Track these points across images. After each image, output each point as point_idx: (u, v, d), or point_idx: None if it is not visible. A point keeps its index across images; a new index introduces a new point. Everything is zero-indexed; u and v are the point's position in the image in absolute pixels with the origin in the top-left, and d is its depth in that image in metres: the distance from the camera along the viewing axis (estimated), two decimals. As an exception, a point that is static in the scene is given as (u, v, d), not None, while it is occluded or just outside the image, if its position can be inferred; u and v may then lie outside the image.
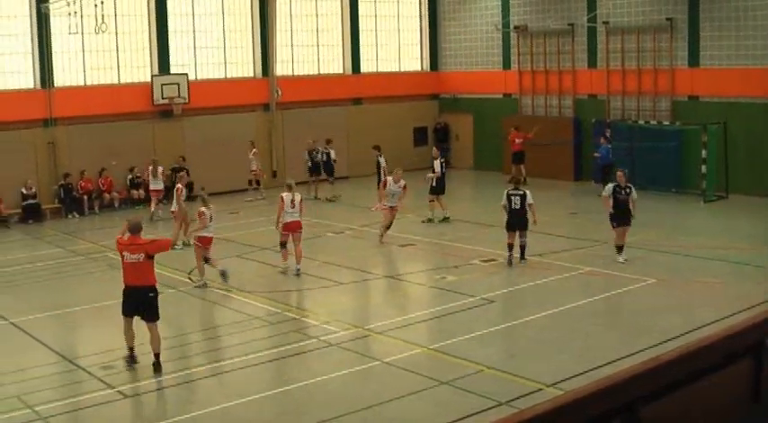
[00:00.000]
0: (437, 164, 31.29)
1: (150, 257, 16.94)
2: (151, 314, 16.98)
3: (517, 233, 24.49)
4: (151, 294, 16.99)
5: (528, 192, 24.64)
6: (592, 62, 40.40)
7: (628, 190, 24.33)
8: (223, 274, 22.82)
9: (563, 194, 36.35)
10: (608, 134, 36.46)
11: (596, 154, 36.44)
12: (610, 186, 24.69)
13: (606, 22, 39.16)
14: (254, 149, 38.02)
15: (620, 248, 24.65)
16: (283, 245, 24.63)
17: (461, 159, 45.11)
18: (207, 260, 23.09)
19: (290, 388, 16.05)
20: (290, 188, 24.78)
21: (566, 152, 40.50)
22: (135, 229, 17.06)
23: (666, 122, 36.91)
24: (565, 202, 34.40)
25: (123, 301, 17.09)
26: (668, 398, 7.51)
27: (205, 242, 23.03)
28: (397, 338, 18.67)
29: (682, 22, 36.71)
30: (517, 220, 24.43)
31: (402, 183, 27.73)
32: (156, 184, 34.07)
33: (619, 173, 25.06)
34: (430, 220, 31.12)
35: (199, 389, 16.31)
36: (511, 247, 24.51)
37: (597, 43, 40.02)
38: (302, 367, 17.31)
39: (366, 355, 17.84)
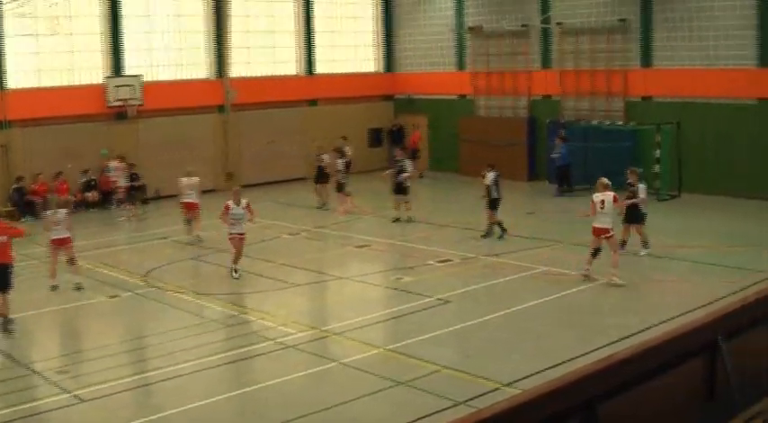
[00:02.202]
0: (408, 164, 31.62)
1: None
2: (7, 285, 19.83)
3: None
4: (9, 270, 19.88)
5: None
6: (546, 63, 40.62)
7: (635, 188, 25.31)
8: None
9: (518, 195, 36.48)
10: (563, 134, 36.67)
11: (555, 155, 36.55)
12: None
13: (560, 24, 39.39)
14: (117, 162, 35.40)
15: (623, 243, 25.22)
16: (187, 221, 29.48)
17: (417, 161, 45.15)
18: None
19: (248, 390, 16.04)
20: (188, 175, 29.39)
21: (520, 152, 40.67)
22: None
23: (620, 123, 37.17)
24: (520, 203, 34.51)
25: None
26: (625, 396, 7.59)
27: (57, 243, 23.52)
28: (354, 339, 18.69)
29: (635, 23, 37.00)
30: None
31: (244, 203, 24.63)
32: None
33: (629, 170, 26.13)
34: (398, 220, 31.19)
35: (156, 392, 16.24)
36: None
37: (551, 44, 40.25)
38: (260, 369, 17.29)
39: (323, 356, 17.84)
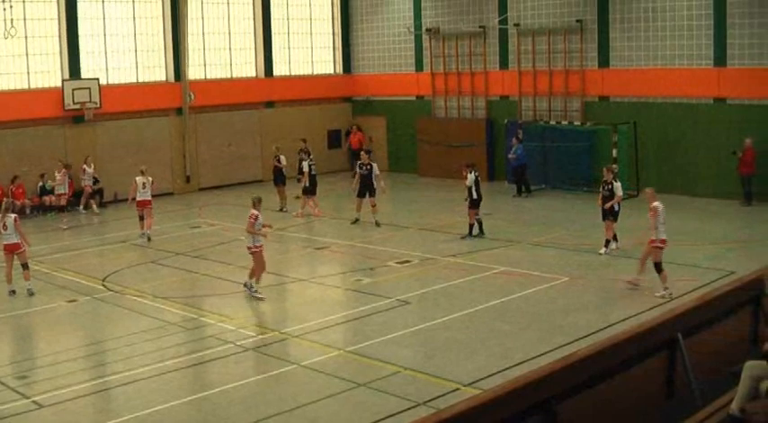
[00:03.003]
0: (376, 167, 31.65)
1: None
2: None
3: None
4: None
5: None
6: (504, 64, 40.73)
7: (610, 186, 25.48)
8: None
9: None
10: (520, 134, 36.75)
11: (512, 155, 36.58)
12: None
13: (517, 24, 39.51)
14: (63, 169, 35.25)
15: (608, 241, 25.72)
16: (140, 217, 29.98)
17: (375, 161, 45.02)
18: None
19: (207, 393, 15.97)
20: (142, 173, 30.13)
21: (479, 153, 40.76)
22: None
23: (578, 123, 37.36)
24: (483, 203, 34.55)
25: None
26: (584, 394, 7.62)
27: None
28: (314, 341, 18.66)
29: (591, 23, 37.19)
30: None
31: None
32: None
33: (605, 168, 26.42)
34: (357, 222, 31.20)
35: (116, 397, 16.14)
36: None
37: (509, 45, 40.37)
38: (220, 372, 17.22)
39: (283, 358, 17.80)
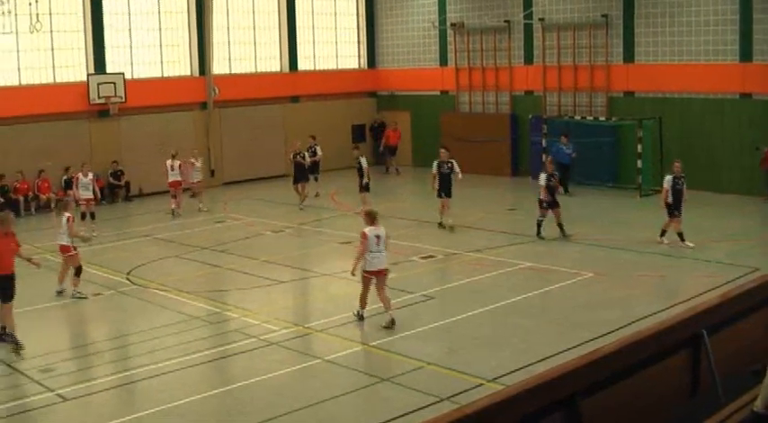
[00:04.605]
0: (457, 164, 29.67)
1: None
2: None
3: None
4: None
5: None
6: (528, 59, 40.66)
7: (682, 180, 25.71)
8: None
9: (500, 190, 36.54)
10: (567, 133, 35.91)
11: (574, 154, 35.65)
12: (669, 177, 25.85)
13: (542, 19, 39.43)
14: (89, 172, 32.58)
15: (681, 235, 25.67)
16: (173, 196, 33.19)
17: (399, 156, 45.08)
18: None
19: (231, 387, 16.01)
20: (172, 157, 33.63)
21: (503, 148, 40.74)
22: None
23: (602, 118, 37.24)
24: (502, 198, 34.58)
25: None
26: (607, 391, 7.60)
27: None
28: (338, 336, 18.68)
29: (617, 18, 37.08)
30: None
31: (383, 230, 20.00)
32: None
33: (676, 163, 26.31)
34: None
35: (139, 390, 16.19)
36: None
37: (533, 40, 40.30)
38: (243, 366, 17.25)
39: (307, 353, 17.83)
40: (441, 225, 29.32)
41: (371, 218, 19.56)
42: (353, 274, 19.64)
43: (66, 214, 22.21)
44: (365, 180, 31.71)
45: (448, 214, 29.21)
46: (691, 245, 25.28)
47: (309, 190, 34.89)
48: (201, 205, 34.28)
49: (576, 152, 35.55)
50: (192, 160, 34.92)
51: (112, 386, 16.24)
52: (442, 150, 29.86)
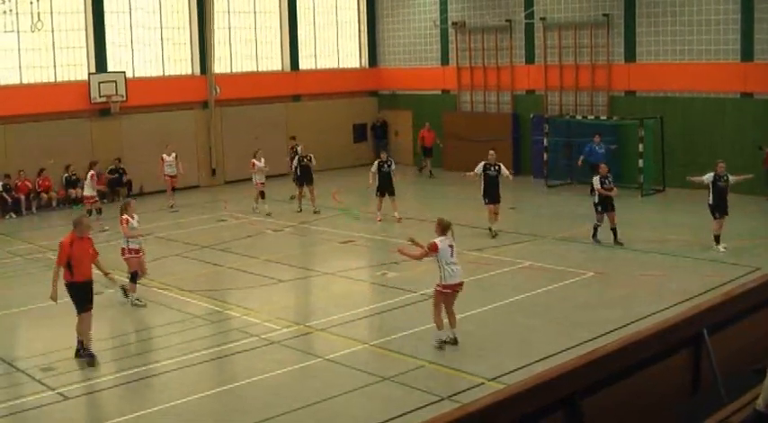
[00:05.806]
0: (504, 167, 28.98)
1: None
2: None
3: None
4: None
5: None
6: (529, 58, 40.65)
7: (726, 178, 25.18)
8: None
9: (502, 190, 36.44)
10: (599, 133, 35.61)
11: (602, 150, 35.01)
12: (710, 175, 25.25)
13: (543, 19, 39.43)
14: (91, 171, 32.14)
15: (717, 238, 25.19)
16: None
17: (401, 156, 45.08)
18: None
19: (232, 386, 16.00)
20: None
21: (504, 148, 40.71)
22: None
23: (604, 117, 37.21)
24: (504, 197, 34.47)
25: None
26: (608, 390, 7.59)
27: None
28: (339, 335, 18.68)
29: (618, 17, 37.08)
30: None
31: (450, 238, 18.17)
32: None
33: (720, 163, 25.63)
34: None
35: (140, 389, 16.18)
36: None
37: (535, 39, 40.29)
38: (244, 365, 17.25)
39: (308, 352, 17.83)
40: (491, 231, 28.04)
41: (443, 227, 17.71)
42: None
43: (122, 216, 21.64)
44: (298, 172, 33.00)
45: (496, 221, 28.29)
46: (722, 249, 24.89)
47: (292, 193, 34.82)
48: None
49: (603, 150, 34.92)
50: (164, 155, 34.89)
51: (113, 385, 16.25)
52: (491, 152, 28.79)
